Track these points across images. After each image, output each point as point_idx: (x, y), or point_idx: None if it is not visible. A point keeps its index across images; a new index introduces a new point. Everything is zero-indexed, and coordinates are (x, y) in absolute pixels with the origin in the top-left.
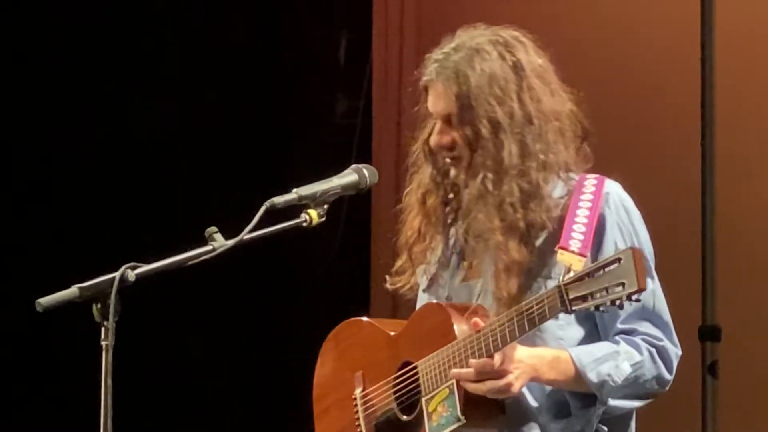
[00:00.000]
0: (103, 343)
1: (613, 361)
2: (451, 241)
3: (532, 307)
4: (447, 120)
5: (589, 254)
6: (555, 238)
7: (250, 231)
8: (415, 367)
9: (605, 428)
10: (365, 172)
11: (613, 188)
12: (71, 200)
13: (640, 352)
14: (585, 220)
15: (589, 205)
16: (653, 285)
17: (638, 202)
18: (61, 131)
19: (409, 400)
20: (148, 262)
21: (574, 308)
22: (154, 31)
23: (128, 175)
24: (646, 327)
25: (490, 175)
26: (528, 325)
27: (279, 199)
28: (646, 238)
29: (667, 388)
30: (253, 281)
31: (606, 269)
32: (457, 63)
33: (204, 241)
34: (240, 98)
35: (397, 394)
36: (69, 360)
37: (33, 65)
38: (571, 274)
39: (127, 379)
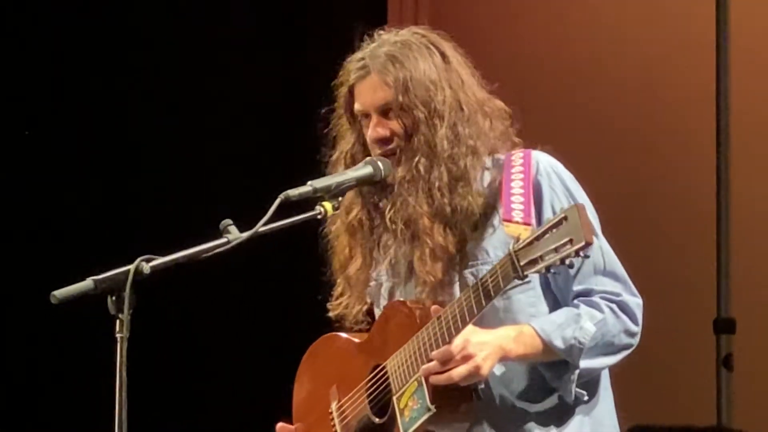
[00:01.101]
0: (118, 336)
1: (575, 324)
2: (392, 251)
3: (486, 280)
4: (383, 111)
5: (533, 222)
6: (491, 224)
7: (265, 223)
8: (384, 368)
9: (585, 392)
10: (380, 164)
11: (542, 157)
12: (86, 193)
13: (601, 310)
14: (521, 191)
15: (522, 176)
16: (599, 242)
17: (653, 198)
18: (75, 124)
19: (382, 401)
20: (163, 255)
21: (526, 273)
22: (172, 24)
23: (144, 168)
24: (601, 284)
25: (423, 160)
26: (485, 299)
27: (293, 192)
28: (583, 197)
29: (638, 338)
30: (268, 274)
31: (553, 230)
32: (388, 53)
33: (219, 234)
34: (255, 91)
35: (370, 398)
36: (83, 353)
37: (61, 51)
38: (521, 242)
39: (141, 372)
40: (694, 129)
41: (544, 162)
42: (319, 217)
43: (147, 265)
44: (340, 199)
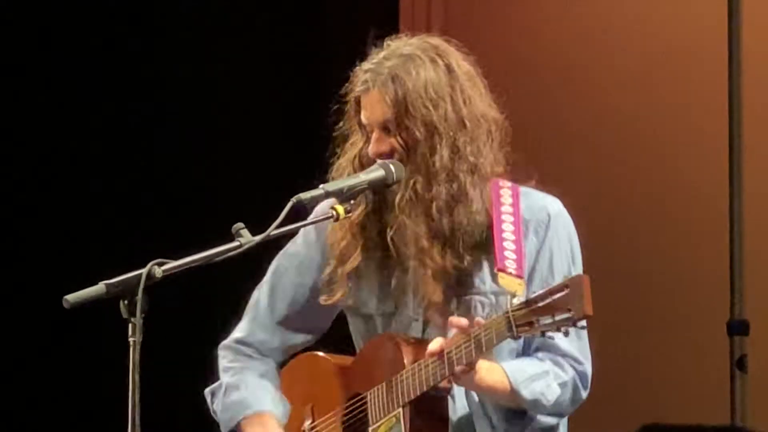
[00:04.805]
0: (131, 340)
1: (544, 380)
2: (386, 272)
3: (479, 334)
4: (384, 127)
5: (525, 275)
6: (485, 250)
7: (277, 227)
8: (363, 398)
9: None
10: (392, 167)
11: (533, 203)
12: (98, 196)
13: (566, 373)
14: (512, 237)
15: (512, 219)
16: None
17: (666, 199)
18: (86, 127)
19: (356, 430)
20: (176, 259)
21: (520, 334)
22: (188, 27)
23: (156, 172)
24: (566, 343)
25: (420, 179)
26: (475, 352)
27: (305, 195)
28: (577, 255)
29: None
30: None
31: (554, 296)
32: (391, 69)
33: (231, 238)
34: (268, 95)
35: (345, 425)
36: (96, 357)
37: (75, 57)
38: (516, 300)
39: (154, 375)
40: (706, 129)
41: (538, 211)
42: (331, 220)
43: (159, 269)
44: (352, 202)
